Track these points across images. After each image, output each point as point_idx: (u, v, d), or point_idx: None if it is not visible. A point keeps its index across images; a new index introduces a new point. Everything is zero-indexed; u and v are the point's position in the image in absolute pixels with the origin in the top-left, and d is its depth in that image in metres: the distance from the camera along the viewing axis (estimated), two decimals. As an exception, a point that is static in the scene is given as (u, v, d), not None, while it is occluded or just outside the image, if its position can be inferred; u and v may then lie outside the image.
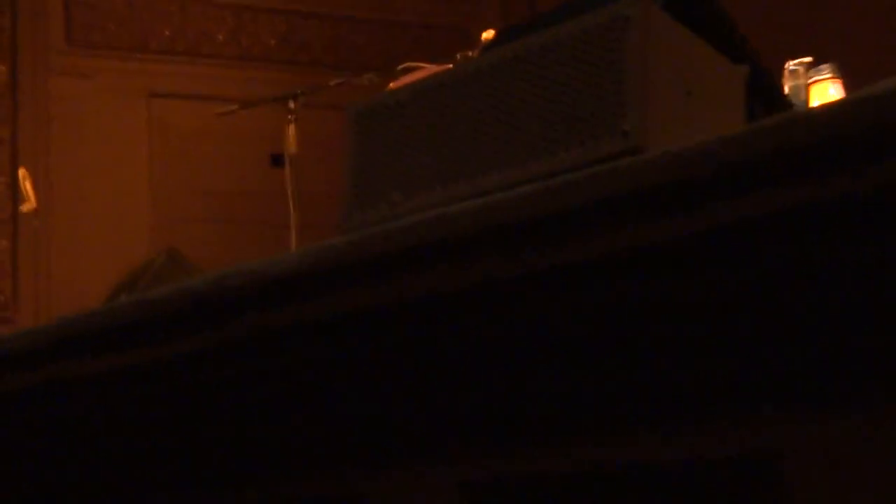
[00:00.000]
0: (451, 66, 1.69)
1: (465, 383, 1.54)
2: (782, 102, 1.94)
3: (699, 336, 1.35)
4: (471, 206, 1.40)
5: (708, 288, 1.31)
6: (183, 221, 6.68)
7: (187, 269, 2.66)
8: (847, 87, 2.86)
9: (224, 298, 1.59)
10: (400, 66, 3.91)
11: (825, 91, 2.84)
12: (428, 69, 3.42)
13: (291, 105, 4.65)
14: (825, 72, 2.87)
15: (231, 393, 1.75)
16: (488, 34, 3.19)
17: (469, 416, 1.56)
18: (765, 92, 1.78)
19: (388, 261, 1.46)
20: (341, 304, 1.51)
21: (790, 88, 2.80)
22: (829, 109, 1.17)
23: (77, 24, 6.82)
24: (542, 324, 1.43)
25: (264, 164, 5.28)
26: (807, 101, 2.80)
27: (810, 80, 2.85)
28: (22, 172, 5.14)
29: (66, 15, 6.80)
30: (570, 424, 1.48)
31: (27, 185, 5.03)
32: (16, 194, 5.99)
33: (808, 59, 2.92)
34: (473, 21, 6.96)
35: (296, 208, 4.58)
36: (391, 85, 3.03)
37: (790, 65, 2.86)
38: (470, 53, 3.40)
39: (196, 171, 6.82)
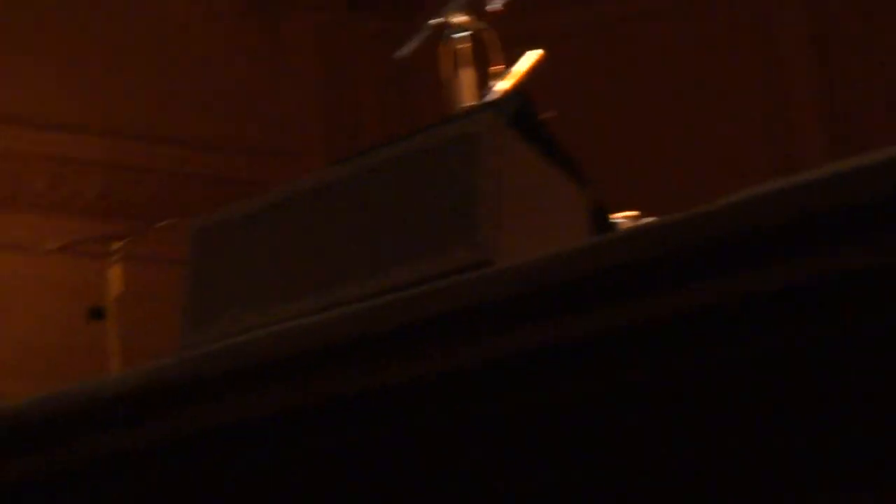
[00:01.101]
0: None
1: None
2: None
3: (534, 454, 1.33)
4: (311, 323, 1.37)
5: (555, 397, 1.29)
6: (1, 377, 6.45)
7: None
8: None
9: (50, 421, 1.53)
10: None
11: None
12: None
13: (109, 249, 4.61)
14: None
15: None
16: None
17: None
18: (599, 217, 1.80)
19: (220, 380, 1.42)
20: (175, 425, 1.45)
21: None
22: (649, 230, 1.23)
23: None
24: (392, 439, 1.38)
25: (84, 317, 5.16)
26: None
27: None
28: None
29: None
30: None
31: None
32: None
33: (634, 213, 2.98)
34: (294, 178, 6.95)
35: (118, 358, 4.47)
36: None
37: (616, 217, 2.91)
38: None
39: (15, 325, 6.62)
